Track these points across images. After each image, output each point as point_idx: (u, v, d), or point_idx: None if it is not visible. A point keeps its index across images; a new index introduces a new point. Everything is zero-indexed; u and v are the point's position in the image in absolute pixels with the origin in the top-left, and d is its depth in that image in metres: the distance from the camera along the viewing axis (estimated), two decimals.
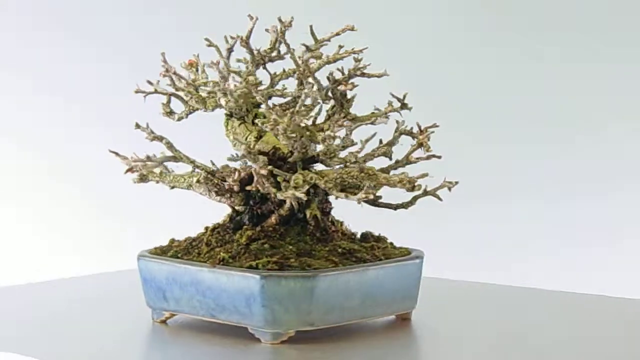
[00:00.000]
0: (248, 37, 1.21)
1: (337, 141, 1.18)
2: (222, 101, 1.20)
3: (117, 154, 1.20)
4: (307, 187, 1.17)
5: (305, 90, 1.11)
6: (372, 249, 1.20)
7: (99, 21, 2.35)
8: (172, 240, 1.25)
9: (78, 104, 2.34)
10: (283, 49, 1.23)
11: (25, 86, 2.33)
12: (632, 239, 2.31)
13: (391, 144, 1.24)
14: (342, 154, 1.21)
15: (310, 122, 1.21)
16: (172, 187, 1.24)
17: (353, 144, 1.25)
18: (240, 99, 1.19)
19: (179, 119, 1.27)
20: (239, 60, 1.23)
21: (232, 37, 1.21)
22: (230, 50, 1.20)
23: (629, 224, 2.32)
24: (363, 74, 1.23)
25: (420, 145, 1.21)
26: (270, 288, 1.10)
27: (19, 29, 2.31)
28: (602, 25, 2.43)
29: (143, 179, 1.23)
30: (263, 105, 1.16)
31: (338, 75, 1.21)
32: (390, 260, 1.18)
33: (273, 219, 1.20)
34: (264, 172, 1.12)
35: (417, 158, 1.25)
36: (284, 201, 1.18)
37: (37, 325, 1.24)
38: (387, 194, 1.24)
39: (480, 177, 2.31)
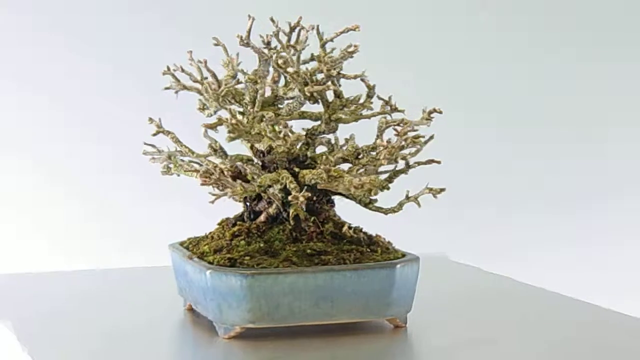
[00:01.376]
0: (247, 36, 1.22)
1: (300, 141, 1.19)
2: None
3: (153, 146, 1.23)
4: (278, 186, 1.18)
5: (261, 91, 1.12)
6: (348, 252, 1.19)
7: (98, 22, 2.38)
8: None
9: (78, 104, 2.37)
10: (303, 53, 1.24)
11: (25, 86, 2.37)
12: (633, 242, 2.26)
13: (395, 147, 1.24)
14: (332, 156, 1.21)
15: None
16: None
17: (372, 145, 1.25)
18: (219, 98, 1.20)
19: (209, 115, 1.29)
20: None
21: (262, 37, 1.22)
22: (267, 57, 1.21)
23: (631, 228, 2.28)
24: (338, 74, 1.23)
25: (385, 148, 1.19)
26: (215, 283, 1.13)
27: (19, 29, 2.36)
28: (602, 25, 2.38)
29: (168, 171, 1.25)
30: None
31: (320, 76, 1.21)
32: (356, 265, 1.16)
33: (262, 217, 1.22)
34: (222, 168, 1.14)
35: (417, 162, 1.24)
36: (273, 200, 1.20)
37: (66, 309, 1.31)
38: (386, 196, 1.23)
39: (479, 177, 2.28)
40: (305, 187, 1.16)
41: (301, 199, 1.10)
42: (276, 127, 1.14)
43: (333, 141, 1.26)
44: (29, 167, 2.33)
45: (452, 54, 2.43)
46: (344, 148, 1.24)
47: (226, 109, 1.19)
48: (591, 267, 2.35)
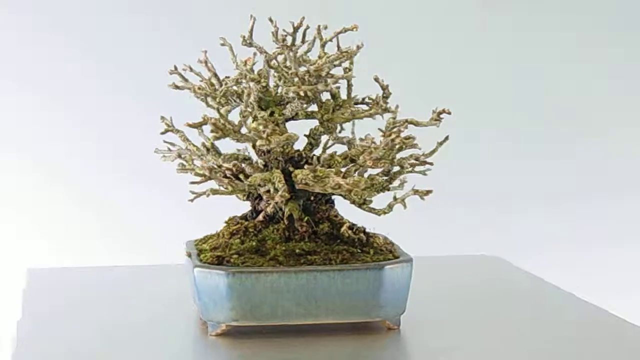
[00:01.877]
0: (250, 36, 1.22)
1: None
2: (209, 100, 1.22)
3: (172, 144, 1.23)
4: (269, 186, 1.19)
5: (247, 91, 1.12)
6: (337, 252, 1.19)
7: (98, 22, 2.39)
8: None
9: (78, 104, 2.37)
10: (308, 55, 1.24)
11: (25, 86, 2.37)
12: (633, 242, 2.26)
13: (391, 148, 1.23)
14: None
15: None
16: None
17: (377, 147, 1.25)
18: (216, 98, 1.20)
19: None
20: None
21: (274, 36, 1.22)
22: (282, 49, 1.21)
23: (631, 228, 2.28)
24: (327, 74, 1.24)
25: (366, 149, 1.19)
26: (201, 281, 1.15)
27: (19, 29, 2.36)
28: (602, 25, 2.38)
29: (183, 168, 1.25)
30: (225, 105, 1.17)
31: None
32: (341, 266, 1.16)
33: (261, 216, 1.22)
34: (226, 166, 1.15)
35: (412, 164, 1.24)
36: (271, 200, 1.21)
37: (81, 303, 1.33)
38: (387, 197, 1.23)
39: (479, 177, 2.28)
40: (284, 188, 1.17)
41: (277, 199, 1.11)
42: (260, 127, 1.14)
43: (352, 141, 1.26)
44: (29, 167, 2.34)
45: (452, 54, 2.43)
46: (357, 147, 1.25)
47: (214, 108, 1.20)
48: (591, 267, 2.35)
